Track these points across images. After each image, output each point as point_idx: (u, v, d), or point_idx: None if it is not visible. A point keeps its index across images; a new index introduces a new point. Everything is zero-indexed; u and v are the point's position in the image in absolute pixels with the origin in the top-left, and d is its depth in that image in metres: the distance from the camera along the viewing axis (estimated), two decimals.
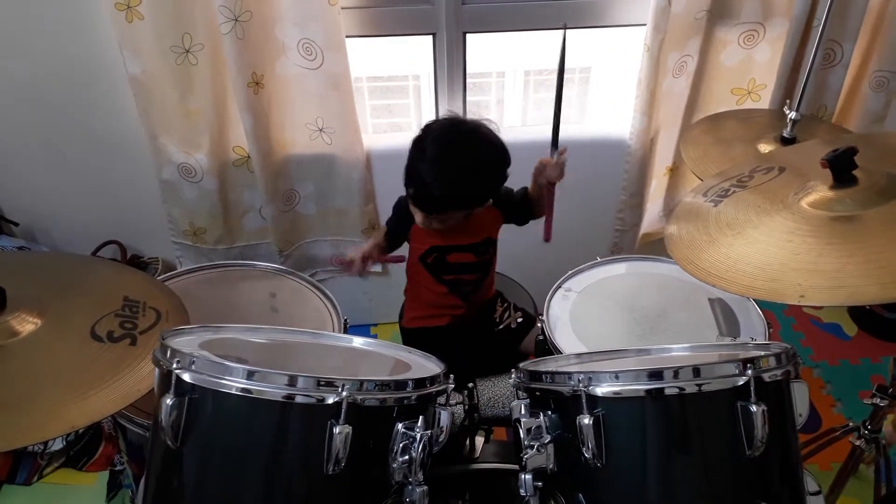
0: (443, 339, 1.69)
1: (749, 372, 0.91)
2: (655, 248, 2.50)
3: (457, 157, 1.46)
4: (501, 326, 1.76)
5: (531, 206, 1.67)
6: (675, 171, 2.38)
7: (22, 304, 1.23)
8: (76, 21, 1.91)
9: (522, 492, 1.03)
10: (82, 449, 2.10)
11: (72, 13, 1.90)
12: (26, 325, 1.20)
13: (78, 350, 1.19)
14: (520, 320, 1.77)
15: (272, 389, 0.90)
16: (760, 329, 1.51)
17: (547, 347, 1.53)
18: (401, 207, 1.63)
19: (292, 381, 0.90)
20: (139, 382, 1.16)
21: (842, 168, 1.04)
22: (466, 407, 1.30)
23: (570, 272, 1.71)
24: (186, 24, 1.83)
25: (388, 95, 4.24)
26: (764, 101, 2.20)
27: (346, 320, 1.60)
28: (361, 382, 0.93)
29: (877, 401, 1.57)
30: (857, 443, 1.66)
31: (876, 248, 0.97)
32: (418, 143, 1.47)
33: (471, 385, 1.32)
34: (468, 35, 2.12)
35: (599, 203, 2.38)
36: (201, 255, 2.28)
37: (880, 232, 1.01)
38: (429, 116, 1.56)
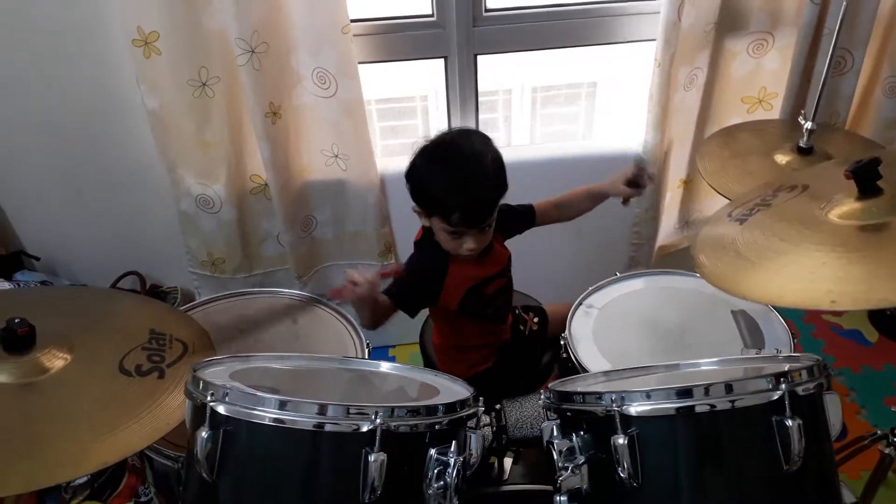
0: (493, 377, 1.69)
1: (783, 386, 0.91)
2: (673, 261, 2.50)
3: (462, 157, 1.45)
4: (527, 333, 1.77)
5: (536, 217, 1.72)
6: (689, 184, 2.38)
7: (50, 341, 1.24)
8: (94, 58, 1.94)
9: None
10: (106, 481, 2.10)
11: (89, 50, 1.93)
12: (56, 360, 1.21)
13: (107, 385, 1.20)
14: (536, 319, 1.80)
15: (306, 419, 0.90)
16: (785, 339, 1.50)
17: (570, 365, 1.53)
18: (422, 270, 1.56)
19: (323, 410, 0.91)
20: (168, 416, 1.16)
21: (866, 178, 1.04)
22: (494, 429, 1.30)
23: (590, 289, 1.70)
24: (202, 57, 1.86)
25: (395, 117, 4.27)
26: (775, 109, 2.20)
27: (368, 344, 1.60)
28: (393, 409, 0.93)
29: None
30: (886, 451, 1.65)
31: None
32: (426, 183, 1.46)
33: (498, 407, 1.32)
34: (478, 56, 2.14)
35: (615, 218, 2.38)
36: (220, 285, 2.29)
37: None
38: None
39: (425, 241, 1.58)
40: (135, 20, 1.79)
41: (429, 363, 1.82)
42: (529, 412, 1.31)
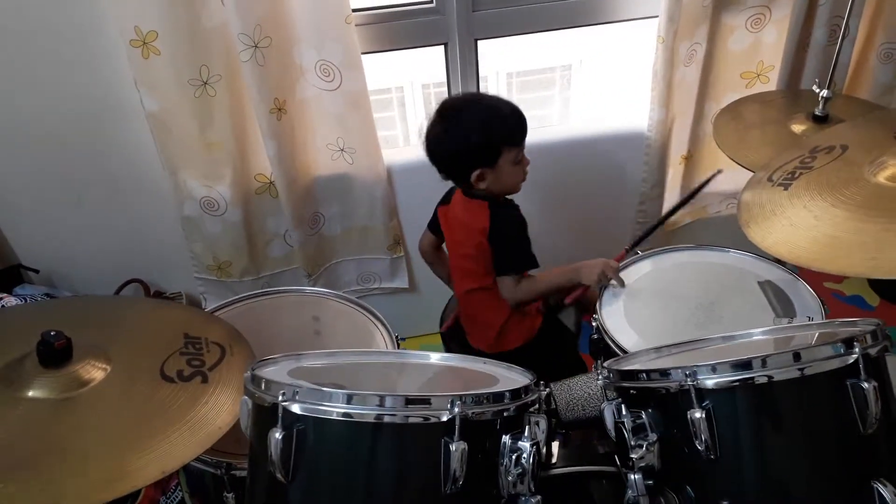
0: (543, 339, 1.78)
1: (857, 349, 0.91)
2: (675, 237, 2.51)
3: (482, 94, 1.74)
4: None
5: None
6: (689, 160, 2.39)
7: (86, 352, 1.20)
8: (90, 60, 1.88)
9: (632, 492, 1.01)
10: (124, 495, 2.05)
11: (85, 52, 1.87)
12: (95, 372, 1.18)
13: (152, 393, 1.17)
14: None
15: (383, 412, 0.88)
16: (815, 307, 1.51)
17: (603, 345, 1.52)
18: (521, 222, 1.68)
19: (407, 401, 0.89)
20: (219, 419, 1.14)
21: None
22: (544, 412, 1.29)
23: None
24: (203, 55, 1.81)
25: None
26: (772, 82, 2.22)
27: (397, 336, 1.58)
28: (469, 397, 0.92)
29: None
30: None
31: None
32: (491, 121, 1.58)
33: (547, 390, 1.30)
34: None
35: (619, 197, 2.39)
36: (227, 289, 2.25)
37: None
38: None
39: (498, 205, 1.66)
40: (132, 20, 1.74)
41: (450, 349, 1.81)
42: (579, 394, 1.30)
